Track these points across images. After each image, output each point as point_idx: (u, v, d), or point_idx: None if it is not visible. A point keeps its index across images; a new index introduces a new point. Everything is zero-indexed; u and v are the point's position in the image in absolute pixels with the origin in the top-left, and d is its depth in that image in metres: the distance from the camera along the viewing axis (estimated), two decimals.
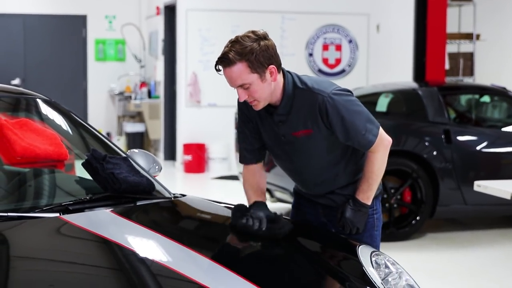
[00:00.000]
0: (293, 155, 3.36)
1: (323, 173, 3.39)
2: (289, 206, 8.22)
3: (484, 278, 6.08)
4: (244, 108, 3.38)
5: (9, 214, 2.99)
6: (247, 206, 3.29)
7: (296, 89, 3.25)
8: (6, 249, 2.85)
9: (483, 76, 10.94)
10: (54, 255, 2.79)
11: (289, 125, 3.28)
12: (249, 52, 3.10)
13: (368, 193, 3.36)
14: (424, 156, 7.23)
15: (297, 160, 3.38)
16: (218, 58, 3.15)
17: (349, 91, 3.30)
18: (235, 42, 3.14)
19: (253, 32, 3.17)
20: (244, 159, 3.44)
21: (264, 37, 3.17)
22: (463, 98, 8.28)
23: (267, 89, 3.19)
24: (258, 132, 3.40)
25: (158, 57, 13.05)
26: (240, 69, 3.12)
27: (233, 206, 3.29)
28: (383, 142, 3.29)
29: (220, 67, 3.16)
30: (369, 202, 3.37)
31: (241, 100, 3.23)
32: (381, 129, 3.31)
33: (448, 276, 6.15)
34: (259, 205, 3.27)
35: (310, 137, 3.27)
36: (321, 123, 3.23)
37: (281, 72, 3.26)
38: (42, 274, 2.64)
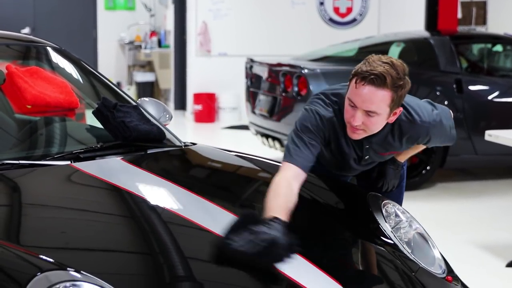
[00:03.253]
0: (363, 165, 3.26)
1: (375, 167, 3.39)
2: None
3: (494, 228, 6.10)
4: (328, 122, 3.02)
5: (21, 161, 3.01)
6: (257, 216, 2.70)
7: (395, 121, 3.04)
8: (18, 197, 2.87)
9: (496, 25, 10.84)
10: (66, 202, 2.81)
11: (378, 149, 3.15)
12: (400, 86, 2.88)
13: (407, 156, 3.40)
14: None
15: (364, 167, 3.29)
16: (370, 73, 2.83)
17: (433, 103, 3.19)
18: (391, 66, 2.86)
19: (403, 63, 2.93)
20: (293, 158, 2.92)
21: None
22: (475, 47, 8.22)
23: (381, 126, 2.98)
24: (320, 148, 3.05)
25: (168, 6, 12.96)
26: (384, 97, 2.85)
27: (242, 214, 2.69)
28: None
29: (363, 82, 2.85)
30: (404, 161, 3.42)
31: (355, 124, 2.89)
32: (449, 112, 3.26)
33: (458, 226, 6.17)
34: (273, 223, 2.59)
35: (395, 153, 3.26)
36: (415, 144, 3.20)
37: None
38: (53, 221, 2.66)
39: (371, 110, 2.88)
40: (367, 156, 3.19)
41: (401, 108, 2.98)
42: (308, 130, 2.99)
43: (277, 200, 2.73)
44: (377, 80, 2.83)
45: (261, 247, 2.45)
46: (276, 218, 2.62)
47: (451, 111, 3.28)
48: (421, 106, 3.11)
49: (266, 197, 2.76)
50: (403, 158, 3.39)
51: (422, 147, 3.36)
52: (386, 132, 3.08)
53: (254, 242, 2.47)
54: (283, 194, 2.77)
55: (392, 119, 2.99)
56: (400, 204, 3.47)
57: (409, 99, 3.11)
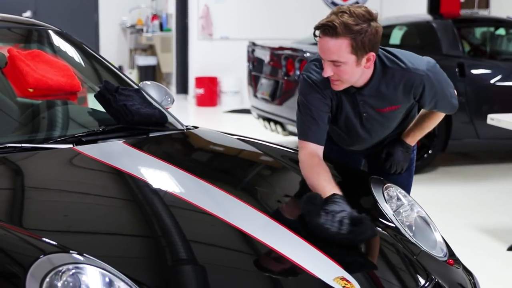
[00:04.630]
0: (369, 127, 3.22)
1: (384, 136, 3.35)
2: None
3: (495, 211, 6.11)
4: (322, 86, 3.07)
5: (23, 145, 3.01)
6: (321, 197, 2.80)
7: (385, 69, 3.05)
8: (21, 180, 2.88)
9: (498, 8, 10.80)
10: (68, 185, 2.82)
11: (374, 103, 3.13)
12: (357, 31, 2.87)
13: (417, 138, 3.38)
14: None
15: (369, 131, 3.25)
16: (322, 24, 2.90)
17: (432, 59, 3.19)
18: (346, 13, 2.88)
19: (366, 9, 2.93)
20: (318, 139, 3.05)
21: (376, 19, 2.95)
22: (478, 31, 8.19)
23: (357, 74, 2.98)
24: (329, 111, 3.13)
25: None
26: (341, 45, 2.88)
27: (305, 196, 2.81)
28: None
29: (319, 33, 2.93)
30: (413, 144, 3.40)
31: (325, 75, 2.97)
32: (451, 82, 3.26)
33: (460, 209, 6.18)
34: (338, 199, 2.77)
35: (396, 111, 3.19)
36: (411, 99, 3.14)
37: None
38: (56, 204, 2.67)
39: (334, 60, 2.92)
40: (365, 113, 3.16)
41: (373, 53, 2.96)
42: (310, 101, 3.08)
43: (322, 177, 2.90)
44: (329, 30, 2.87)
45: (345, 224, 2.64)
46: (335, 194, 2.79)
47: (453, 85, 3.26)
48: (413, 56, 3.14)
49: (306, 178, 2.95)
50: (412, 140, 3.36)
51: (428, 125, 3.32)
52: (377, 81, 3.07)
53: (342, 222, 2.65)
54: (323, 170, 2.93)
55: (368, 65, 2.99)
56: (409, 187, 3.48)
57: (402, 51, 3.15)
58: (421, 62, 3.10)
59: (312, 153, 3.02)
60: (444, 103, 3.22)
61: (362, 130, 3.25)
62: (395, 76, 3.06)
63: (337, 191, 2.82)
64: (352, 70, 2.95)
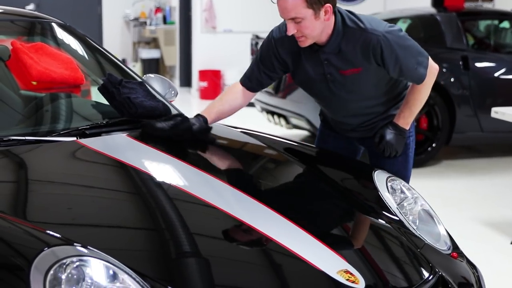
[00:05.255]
0: (337, 92, 3.29)
1: (364, 106, 3.37)
2: (304, 132, 8.24)
3: (499, 205, 6.10)
4: (278, 44, 3.29)
5: (27, 138, 3.01)
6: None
7: (345, 28, 3.17)
8: (24, 173, 2.88)
9: (503, 1, 10.77)
10: (71, 178, 2.82)
11: (337, 63, 3.21)
12: None
13: (408, 119, 3.38)
14: (441, 82, 7.18)
15: (341, 96, 3.31)
16: None
17: (398, 26, 3.23)
18: None
19: None
20: (245, 80, 3.37)
21: None
22: (482, 24, 8.17)
23: (319, 27, 3.11)
24: (274, 72, 3.34)
25: None
26: (296, 1, 3.05)
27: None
28: (432, 71, 3.29)
29: None
30: (407, 127, 3.40)
31: (289, 34, 3.13)
32: (429, 58, 3.28)
33: (463, 203, 6.18)
34: (191, 118, 3.26)
35: (359, 75, 3.22)
36: (372, 61, 3.18)
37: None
38: (59, 197, 2.67)
39: (293, 17, 3.07)
40: (329, 74, 3.23)
41: (329, 5, 3.08)
42: (262, 52, 3.35)
43: (217, 104, 3.36)
44: None
45: (176, 123, 3.16)
46: (199, 115, 3.27)
47: (428, 55, 3.27)
48: (376, 19, 3.22)
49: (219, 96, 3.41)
50: (404, 122, 3.36)
51: (414, 103, 3.31)
52: (338, 39, 3.17)
53: (170, 123, 3.16)
54: (225, 101, 3.36)
55: (327, 17, 3.11)
56: (407, 173, 3.50)
57: (367, 15, 3.25)
58: (381, 24, 3.18)
59: (236, 89, 3.37)
60: (408, 70, 3.22)
61: (328, 92, 3.30)
62: (354, 35, 3.16)
63: (204, 115, 3.27)
64: (313, 24, 3.09)
